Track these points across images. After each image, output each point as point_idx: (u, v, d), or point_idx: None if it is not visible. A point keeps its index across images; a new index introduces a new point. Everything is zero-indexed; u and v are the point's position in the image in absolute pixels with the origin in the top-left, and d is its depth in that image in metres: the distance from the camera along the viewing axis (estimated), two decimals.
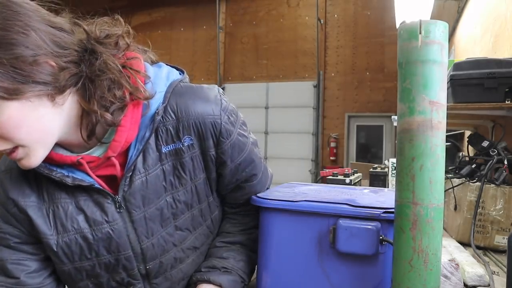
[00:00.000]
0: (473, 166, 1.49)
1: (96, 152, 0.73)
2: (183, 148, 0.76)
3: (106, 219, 0.74)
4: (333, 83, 8.91)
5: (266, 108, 9.32)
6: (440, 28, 0.59)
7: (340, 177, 1.99)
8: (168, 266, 0.81)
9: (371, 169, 2.50)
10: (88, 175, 0.72)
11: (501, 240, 1.30)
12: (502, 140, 1.50)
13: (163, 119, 0.74)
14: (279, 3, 9.34)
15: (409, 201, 0.59)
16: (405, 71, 0.60)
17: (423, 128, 0.59)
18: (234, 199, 0.89)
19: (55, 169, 0.72)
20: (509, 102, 1.41)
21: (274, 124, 9.17)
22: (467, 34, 3.95)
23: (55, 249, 0.74)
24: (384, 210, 0.73)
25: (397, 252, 0.62)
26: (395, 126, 1.04)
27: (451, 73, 1.50)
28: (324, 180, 2.16)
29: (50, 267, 0.79)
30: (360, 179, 2.25)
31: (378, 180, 2.40)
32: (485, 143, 1.49)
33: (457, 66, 1.52)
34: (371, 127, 8.73)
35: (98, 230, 0.74)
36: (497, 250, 1.30)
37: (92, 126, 0.68)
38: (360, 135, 8.89)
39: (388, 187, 2.32)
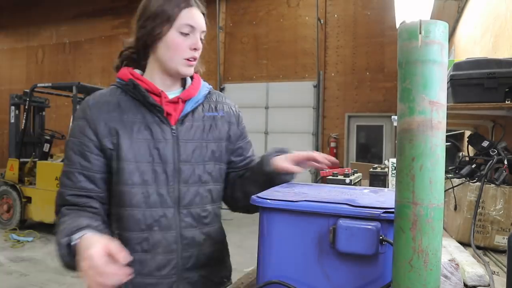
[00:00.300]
0: (473, 166, 1.50)
1: (170, 96, 1.13)
2: (218, 116, 1.20)
3: (164, 137, 1.09)
4: (333, 83, 8.92)
5: (266, 108, 9.32)
6: (440, 28, 0.59)
7: (340, 177, 1.99)
8: (189, 171, 1.12)
9: (371, 169, 2.50)
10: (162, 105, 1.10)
11: (501, 240, 1.30)
12: (502, 140, 1.50)
13: (208, 98, 1.20)
14: (279, 3, 9.34)
15: (409, 201, 0.59)
16: (405, 71, 0.60)
17: (423, 128, 0.59)
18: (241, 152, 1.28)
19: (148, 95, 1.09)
20: (509, 102, 1.41)
21: (274, 124, 9.18)
22: (467, 34, 3.95)
23: (130, 145, 1.06)
24: (384, 210, 0.73)
25: (397, 252, 0.62)
26: (395, 126, 1.04)
27: (451, 73, 1.50)
28: (324, 180, 2.16)
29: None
30: (360, 179, 2.25)
31: (378, 180, 2.40)
32: (485, 143, 1.49)
33: (457, 66, 1.52)
34: (371, 127, 8.73)
35: (157, 142, 1.08)
36: (497, 250, 1.30)
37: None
38: (360, 135, 8.89)
39: (388, 187, 2.32)
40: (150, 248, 1.06)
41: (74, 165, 1.06)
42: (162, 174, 1.08)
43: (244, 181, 1.23)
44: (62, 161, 6.06)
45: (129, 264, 0.92)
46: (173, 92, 1.15)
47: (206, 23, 1.13)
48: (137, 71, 1.14)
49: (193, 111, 1.14)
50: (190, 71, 1.12)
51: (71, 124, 1.16)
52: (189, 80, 1.19)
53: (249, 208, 1.02)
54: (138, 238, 1.06)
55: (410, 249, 0.59)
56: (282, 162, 1.13)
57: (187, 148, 1.11)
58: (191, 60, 1.10)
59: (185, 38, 1.08)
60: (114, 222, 1.09)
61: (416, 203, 0.59)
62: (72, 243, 0.89)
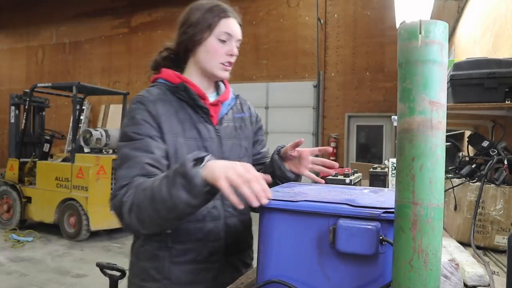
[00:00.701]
0: (473, 166, 1.49)
1: (210, 99, 1.24)
2: (245, 116, 1.35)
3: (210, 136, 1.20)
4: (333, 83, 8.91)
5: (266, 108, 9.32)
6: (440, 28, 0.59)
7: (340, 177, 1.99)
8: None
9: (371, 169, 2.50)
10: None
11: (501, 240, 1.30)
12: (502, 140, 1.50)
13: (236, 101, 1.34)
14: (279, 3, 9.34)
15: (409, 201, 0.59)
16: (405, 71, 0.60)
17: (423, 128, 0.59)
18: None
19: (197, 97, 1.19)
20: (509, 102, 1.41)
21: (274, 124, 9.17)
22: (467, 34, 3.95)
23: (184, 143, 1.14)
24: (384, 210, 0.73)
25: (397, 252, 0.62)
26: (395, 126, 1.04)
27: (451, 73, 1.50)
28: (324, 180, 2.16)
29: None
30: (360, 179, 2.25)
31: (378, 180, 2.40)
32: (485, 143, 1.49)
33: (457, 66, 1.52)
34: (371, 127, 8.73)
35: (204, 140, 1.18)
36: (497, 250, 1.30)
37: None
38: (360, 135, 8.89)
39: (388, 187, 2.32)
40: (203, 237, 1.15)
41: (145, 141, 1.08)
42: None
43: None
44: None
45: (186, 253, 1.14)
46: (209, 95, 1.25)
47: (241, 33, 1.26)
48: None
49: (227, 112, 1.27)
50: (226, 74, 1.23)
51: (126, 117, 1.16)
52: (222, 85, 1.31)
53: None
54: (194, 228, 1.15)
55: (410, 249, 0.59)
56: (287, 147, 1.24)
57: (228, 146, 1.24)
58: (226, 65, 1.21)
59: (223, 45, 1.20)
60: None
61: (416, 203, 0.59)
62: (202, 165, 0.90)
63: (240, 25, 1.25)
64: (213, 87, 1.29)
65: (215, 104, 1.24)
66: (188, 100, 1.19)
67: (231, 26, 1.21)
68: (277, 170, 1.24)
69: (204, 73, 1.22)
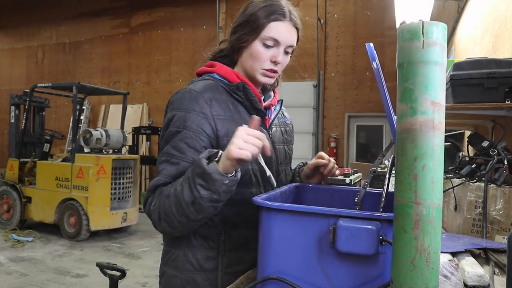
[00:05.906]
0: (473, 166, 1.50)
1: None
2: (287, 121, 1.36)
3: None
4: (333, 83, 8.91)
5: None
6: (441, 30, 0.60)
7: (340, 177, 1.99)
8: (282, 173, 1.26)
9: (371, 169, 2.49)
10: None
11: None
12: (502, 140, 1.50)
13: (281, 107, 1.30)
14: None
15: (411, 201, 0.59)
16: (407, 72, 0.60)
17: (426, 128, 0.59)
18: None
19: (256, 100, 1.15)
20: (509, 102, 1.41)
21: None
22: (467, 34, 3.95)
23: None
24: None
25: (398, 252, 0.62)
26: None
27: (451, 73, 1.50)
28: (324, 180, 2.15)
29: None
30: (360, 179, 2.25)
31: (378, 180, 2.40)
32: (485, 143, 1.49)
33: (457, 66, 1.52)
34: (371, 127, 8.73)
35: None
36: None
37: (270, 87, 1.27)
38: (360, 135, 8.88)
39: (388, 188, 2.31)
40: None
41: (187, 158, 1.03)
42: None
43: None
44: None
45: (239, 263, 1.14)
46: None
47: (298, 38, 1.16)
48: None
49: (275, 117, 1.26)
50: (269, 81, 1.16)
51: (175, 113, 1.09)
52: (268, 88, 1.27)
53: None
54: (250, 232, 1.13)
55: (413, 249, 0.59)
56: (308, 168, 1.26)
57: (279, 150, 1.23)
58: (269, 72, 1.14)
59: (268, 49, 1.12)
60: (224, 222, 1.12)
61: (419, 203, 0.59)
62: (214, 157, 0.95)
63: (297, 28, 1.15)
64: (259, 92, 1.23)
65: (266, 108, 1.20)
66: (245, 101, 1.13)
67: (281, 31, 1.11)
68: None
69: (249, 77, 1.17)
